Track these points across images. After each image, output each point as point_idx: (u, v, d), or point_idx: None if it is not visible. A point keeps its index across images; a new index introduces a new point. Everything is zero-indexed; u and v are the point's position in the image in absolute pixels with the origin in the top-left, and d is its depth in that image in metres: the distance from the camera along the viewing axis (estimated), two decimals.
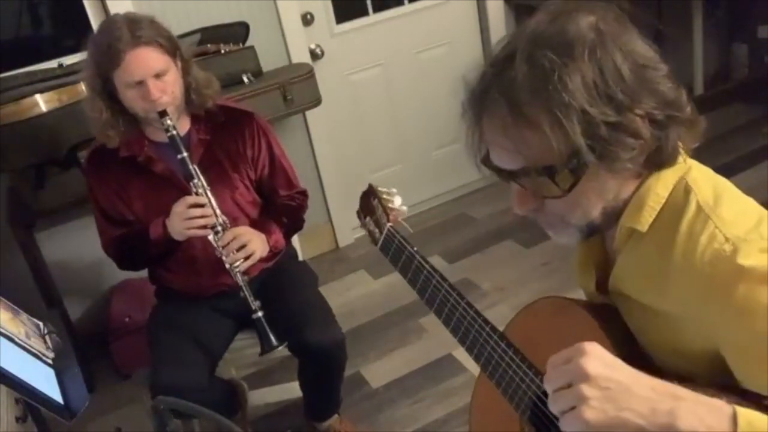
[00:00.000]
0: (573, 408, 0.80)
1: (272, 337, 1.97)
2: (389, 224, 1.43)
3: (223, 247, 1.93)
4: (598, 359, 0.81)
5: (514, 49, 0.91)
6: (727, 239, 0.89)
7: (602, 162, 0.90)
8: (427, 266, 1.31)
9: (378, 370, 2.69)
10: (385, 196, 1.49)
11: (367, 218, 1.52)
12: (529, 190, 0.97)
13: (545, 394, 1.09)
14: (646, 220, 0.97)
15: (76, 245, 2.92)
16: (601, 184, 0.95)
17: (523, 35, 0.92)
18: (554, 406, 0.83)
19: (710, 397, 0.79)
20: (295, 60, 3.17)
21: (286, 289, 2.13)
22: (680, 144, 0.96)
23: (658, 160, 0.95)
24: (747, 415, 0.77)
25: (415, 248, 1.35)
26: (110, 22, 1.88)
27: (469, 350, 1.23)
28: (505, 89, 0.90)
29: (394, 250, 1.39)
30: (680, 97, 0.94)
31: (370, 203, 1.52)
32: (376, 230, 1.47)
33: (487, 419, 1.29)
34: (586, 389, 0.79)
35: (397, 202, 1.48)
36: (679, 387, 0.80)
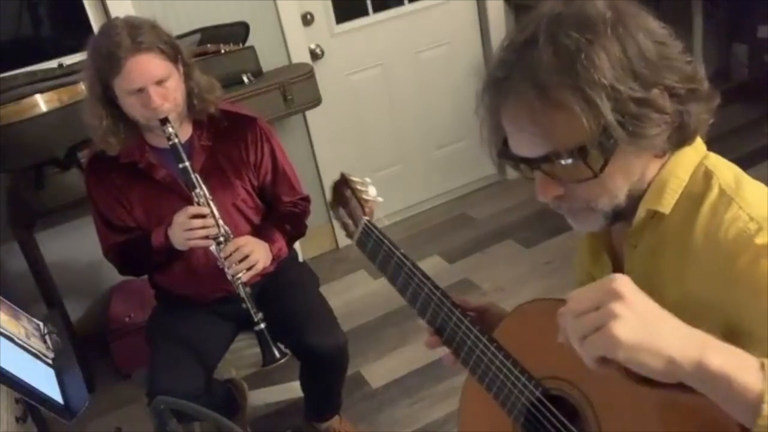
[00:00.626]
0: (599, 329, 0.76)
1: (275, 351, 1.95)
2: (365, 218, 1.37)
3: (225, 258, 1.91)
4: (632, 286, 0.78)
5: (534, 32, 0.90)
6: (752, 218, 0.90)
7: (631, 138, 0.89)
8: (407, 263, 1.26)
9: (378, 370, 2.69)
10: (359, 187, 1.42)
11: (341, 210, 1.45)
12: (555, 177, 0.95)
13: (539, 400, 1.07)
14: (668, 201, 0.97)
15: (76, 245, 2.92)
16: (628, 164, 0.94)
17: (541, 18, 0.91)
18: (577, 330, 0.79)
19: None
20: (295, 60, 3.17)
21: (287, 291, 2.12)
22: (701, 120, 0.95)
23: (681, 136, 0.95)
24: None
25: (394, 243, 1.30)
26: (110, 26, 1.83)
27: (456, 353, 1.19)
28: (531, 72, 0.89)
29: (372, 246, 1.33)
30: (698, 72, 0.94)
31: (342, 194, 1.45)
32: (351, 223, 1.41)
33: (477, 422, 1.25)
34: (619, 307, 0.76)
35: (371, 192, 1.41)
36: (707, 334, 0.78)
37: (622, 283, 0.78)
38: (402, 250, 1.28)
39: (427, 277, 1.23)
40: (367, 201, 1.39)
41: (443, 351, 1.24)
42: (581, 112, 0.87)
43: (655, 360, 0.75)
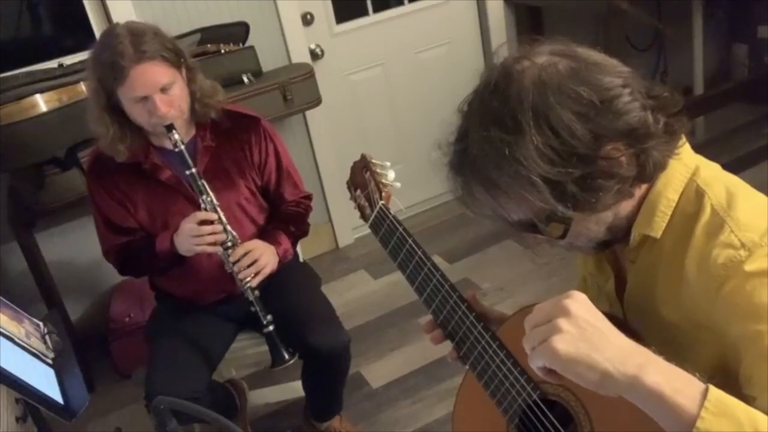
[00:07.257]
0: (543, 341, 0.81)
1: (284, 352, 1.96)
2: (381, 202, 1.36)
3: (234, 263, 1.90)
4: (583, 303, 0.83)
5: (467, 126, 0.95)
6: (742, 244, 0.89)
7: (582, 212, 0.92)
8: (419, 252, 1.25)
9: (378, 370, 2.69)
10: (378, 170, 1.41)
11: (358, 191, 1.44)
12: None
13: (536, 403, 1.07)
14: (659, 225, 0.97)
15: (76, 245, 2.93)
16: (595, 217, 0.96)
17: (473, 110, 0.95)
18: (527, 341, 0.84)
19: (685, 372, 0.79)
20: (295, 60, 3.17)
21: (289, 291, 2.11)
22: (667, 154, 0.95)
23: (644, 177, 0.95)
24: (719, 393, 0.76)
25: (408, 231, 1.30)
26: (112, 35, 1.78)
27: (458, 347, 1.18)
28: (471, 168, 0.95)
29: (385, 231, 1.33)
30: (647, 118, 0.91)
31: (361, 175, 1.44)
32: (367, 206, 1.40)
33: (471, 420, 1.25)
34: (563, 323, 0.81)
35: (390, 176, 1.41)
36: (655, 354, 0.81)
37: (574, 300, 0.82)
38: (414, 238, 1.28)
39: (437, 268, 1.23)
40: (385, 185, 1.39)
41: (446, 348, 1.23)
42: (528, 196, 0.90)
43: (590, 373, 0.79)
